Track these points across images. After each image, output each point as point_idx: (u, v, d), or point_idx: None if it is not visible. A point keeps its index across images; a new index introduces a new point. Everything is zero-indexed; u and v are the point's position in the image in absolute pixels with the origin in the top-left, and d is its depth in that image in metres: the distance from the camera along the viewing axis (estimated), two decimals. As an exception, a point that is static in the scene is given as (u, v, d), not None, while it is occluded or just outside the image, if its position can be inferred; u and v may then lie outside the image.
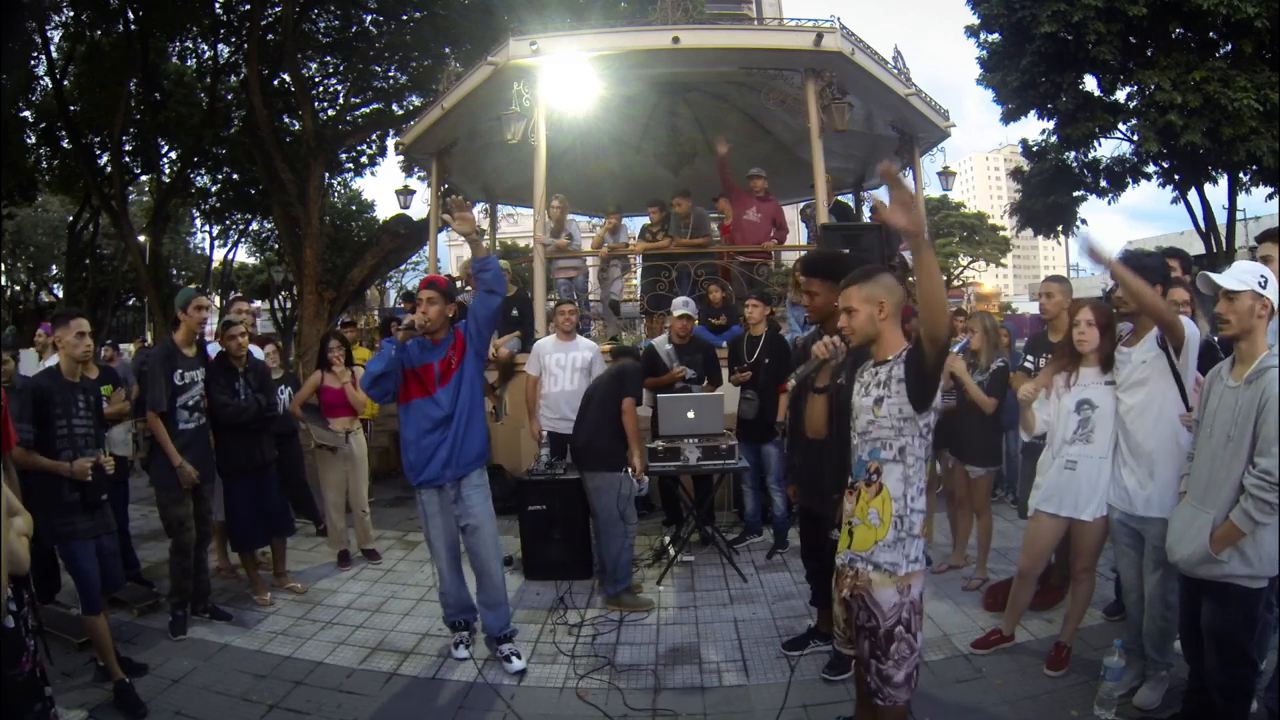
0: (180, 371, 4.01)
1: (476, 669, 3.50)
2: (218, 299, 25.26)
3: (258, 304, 27.85)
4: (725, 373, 5.56)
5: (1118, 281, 2.77)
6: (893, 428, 2.22)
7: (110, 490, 3.46)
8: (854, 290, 2.32)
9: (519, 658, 3.55)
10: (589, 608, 4.23)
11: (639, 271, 8.03)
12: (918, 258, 2.10)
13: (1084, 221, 15.57)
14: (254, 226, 22.75)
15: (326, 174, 14.48)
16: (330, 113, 15.11)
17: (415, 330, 3.44)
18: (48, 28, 13.55)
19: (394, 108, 15.14)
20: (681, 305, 5.52)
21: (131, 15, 13.03)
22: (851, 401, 2.40)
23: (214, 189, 18.50)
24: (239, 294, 25.80)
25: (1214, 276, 2.46)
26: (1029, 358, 4.22)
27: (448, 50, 11.73)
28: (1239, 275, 2.43)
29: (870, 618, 2.24)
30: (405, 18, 13.08)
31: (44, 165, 16.58)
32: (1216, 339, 3.01)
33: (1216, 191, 14.53)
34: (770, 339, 5.20)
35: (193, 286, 4.19)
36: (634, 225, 10.20)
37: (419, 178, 14.03)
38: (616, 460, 4.32)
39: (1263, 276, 2.41)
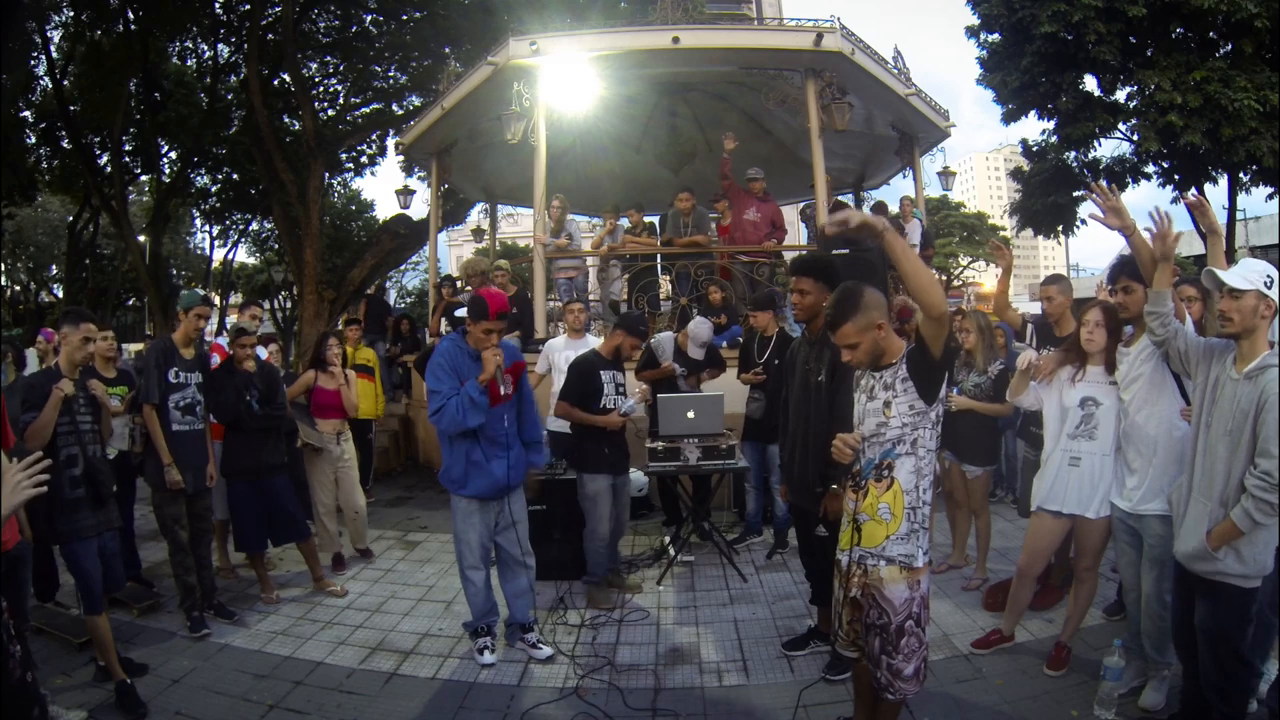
0: (175, 370, 4.00)
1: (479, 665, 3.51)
2: (217, 299, 25.29)
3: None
4: (733, 371, 5.55)
5: (1131, 246, 2.71)
6: (905, 424, 2.23)
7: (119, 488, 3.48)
8: (849, 328, 2.28)
9: (545, 645, 3.69)
10: (589, 608, 4.24)
11: (618, 270, 7.97)
12: (890, 247, 2.15)
13: (1084, 222, 15.56)
14: (254, 226, 22.76)
15: (326, 174, 14.48)
16: (330, 113, 15.12)
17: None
18: (48, 28, 13.58)
19: (394, 108, 15.16)
20: (705, 332, 5.52)
21: (131, 15, 13.04)
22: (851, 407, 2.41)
23: (214, 189, 18.53)
24: (240, 299, 25.76)
25: (1219, 273, 2.43)
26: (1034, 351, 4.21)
27: (448, 50, 11.72)
28: (1245, 273, 2.40)
29: (881, 614, 2.26)
30: (405, 18, 13.10)
31: (44, 165, 16.58)
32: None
33: (1216, 191, 14.51)
34: (781, 339, 5.19)
35: (200, 293, 4.14)
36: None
37: (419, 178, 14.06)
38: (589, 461, 4.34)
39: (1269, 276, 2.38)
